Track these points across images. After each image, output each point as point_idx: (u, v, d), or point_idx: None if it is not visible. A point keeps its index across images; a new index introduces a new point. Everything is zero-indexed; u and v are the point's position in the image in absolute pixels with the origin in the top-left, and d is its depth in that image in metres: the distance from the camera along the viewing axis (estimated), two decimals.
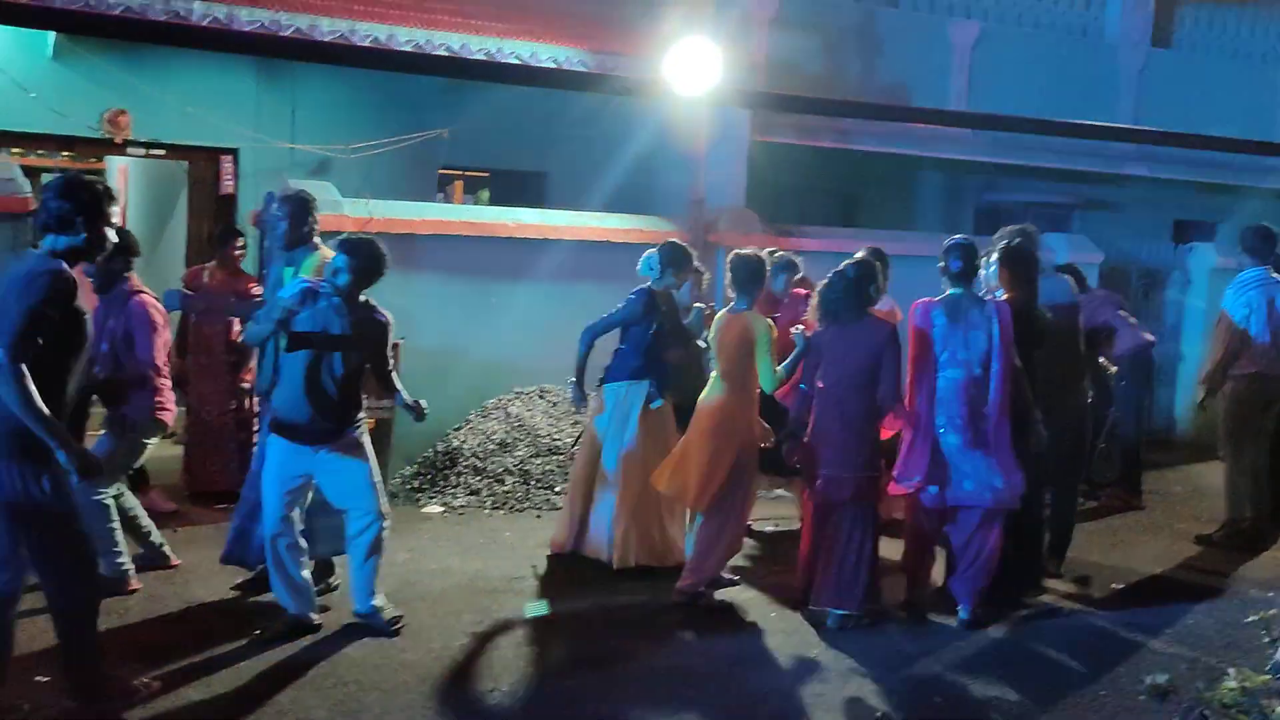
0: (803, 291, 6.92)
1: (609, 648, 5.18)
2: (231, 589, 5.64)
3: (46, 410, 3.76)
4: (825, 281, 5.68)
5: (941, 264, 5.72)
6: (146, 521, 5.86)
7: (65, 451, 3.81)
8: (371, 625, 5.12)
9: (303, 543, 5.11)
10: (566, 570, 6.24)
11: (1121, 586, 6.52)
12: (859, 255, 5.81)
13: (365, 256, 5.00)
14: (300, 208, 5.65)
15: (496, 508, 7.51)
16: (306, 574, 5.15)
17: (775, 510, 7.45)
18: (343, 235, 5.22)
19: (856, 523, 5.50)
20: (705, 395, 5.83)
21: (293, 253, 5.64)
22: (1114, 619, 5.93)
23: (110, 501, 5.49)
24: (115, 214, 4.10)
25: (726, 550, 5.88)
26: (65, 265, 3.90)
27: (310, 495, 5.20)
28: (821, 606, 5.55)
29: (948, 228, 12.35)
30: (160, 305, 5.73)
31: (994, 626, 5.62)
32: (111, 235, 4.11)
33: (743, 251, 5.93)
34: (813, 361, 5.64)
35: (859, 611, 5.49)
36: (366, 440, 5.18)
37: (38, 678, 4.41)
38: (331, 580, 5.62)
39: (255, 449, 5.88)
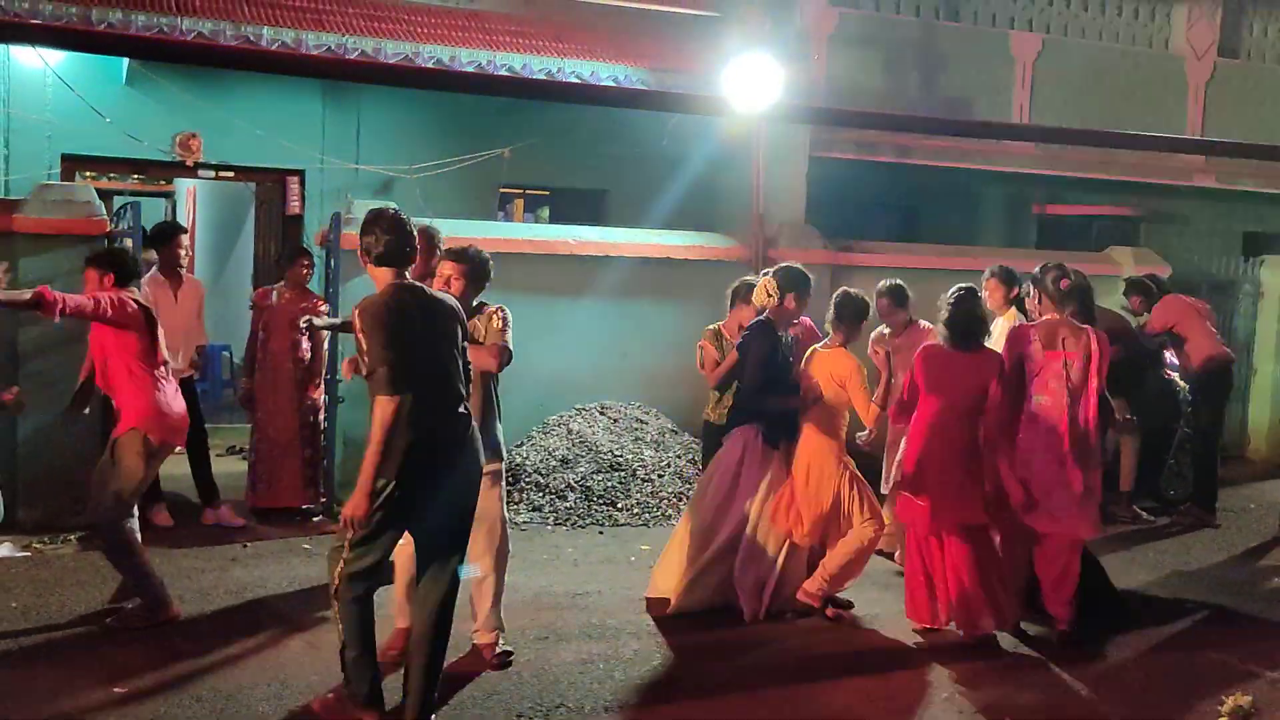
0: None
1: (677, 667, 5.17)
2: None
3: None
4: (954, 305, 5.55)
5: (1033, 289, 5.74)
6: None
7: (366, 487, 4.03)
8: None
9: None
10: (629, 591, 6.22)
11: (1196, 605, 6.38)
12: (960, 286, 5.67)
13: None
14: None
15: (559, 524, 7.54)
16: None
17: None
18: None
19: (970, 547, 5.47)
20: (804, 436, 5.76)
21: None
22: (1189, 639, 5.82)
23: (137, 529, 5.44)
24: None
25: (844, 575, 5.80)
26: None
27: None
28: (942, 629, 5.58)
29: (1010, 242, 12.25)
30: (132, 304, 5.37)
31: (1068, 649, 5.53)
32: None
33: (850, 290, 5.82)
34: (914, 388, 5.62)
35: (978, 634, 5.49)
36: None
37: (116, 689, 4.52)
38: None
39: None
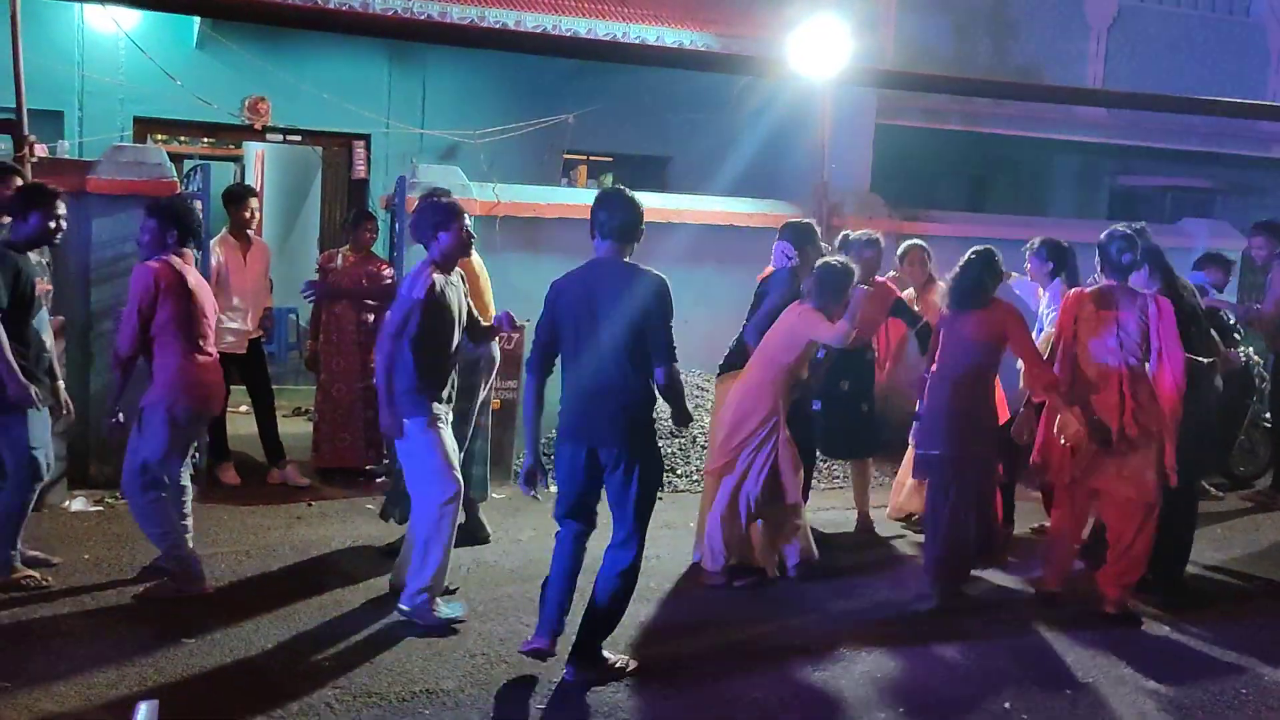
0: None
1: (737, 631, 5.18)
2: None
3: None
4: (960, 269, 5.62)
5: (1099, 256, 5.59)
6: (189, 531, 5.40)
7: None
8: None
9: None
10: (688, 557, 6.22)
11: (1263, 583, 6.27)
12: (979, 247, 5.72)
13: None
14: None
15: None
16: None
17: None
18: None
19: (962, 501, 5.50)
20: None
21: None
22: (1258, 617, 5.72)
23: (189, 484, 5.44)
24: None
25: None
26: None
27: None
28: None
29: (1081, 212, 12.02)
30: (161, 272, 5.04)
31: (1134, 622, 5.46)
32: None
33: (832, 262, 5.64)
34: (933, 346, 5.78)
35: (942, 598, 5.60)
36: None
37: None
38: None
39: None
